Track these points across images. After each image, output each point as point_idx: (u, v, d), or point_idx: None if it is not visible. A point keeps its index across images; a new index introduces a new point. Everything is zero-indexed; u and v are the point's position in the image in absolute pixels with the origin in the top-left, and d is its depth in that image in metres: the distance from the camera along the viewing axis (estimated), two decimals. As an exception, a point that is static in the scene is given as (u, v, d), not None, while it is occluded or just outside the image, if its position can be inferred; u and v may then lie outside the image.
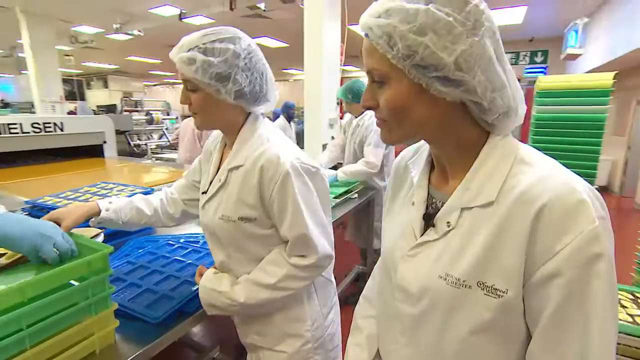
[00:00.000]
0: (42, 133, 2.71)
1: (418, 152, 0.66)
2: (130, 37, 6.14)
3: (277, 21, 5.66)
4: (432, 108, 0.49)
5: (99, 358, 0.75)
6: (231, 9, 4.50)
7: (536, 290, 0.45)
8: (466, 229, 0.51)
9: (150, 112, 6.24)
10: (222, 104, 0.80)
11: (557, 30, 6.33)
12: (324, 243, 0.85)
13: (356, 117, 2.38)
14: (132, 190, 1.49)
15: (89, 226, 1.20)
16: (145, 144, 5.30)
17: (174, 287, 0.93)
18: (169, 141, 5.74)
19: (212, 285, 0.84)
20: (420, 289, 0.54)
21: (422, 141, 0.61)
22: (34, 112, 5.88)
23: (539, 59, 7.66)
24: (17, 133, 2.57)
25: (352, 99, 2.28)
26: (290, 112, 4.63)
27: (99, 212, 0.93)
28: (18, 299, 0.62)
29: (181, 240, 1.26)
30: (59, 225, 0.82)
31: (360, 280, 2.59)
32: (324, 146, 3.21)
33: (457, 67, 0.45)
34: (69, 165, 2.78)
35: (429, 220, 0.56)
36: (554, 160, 0.50)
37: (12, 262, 0.78)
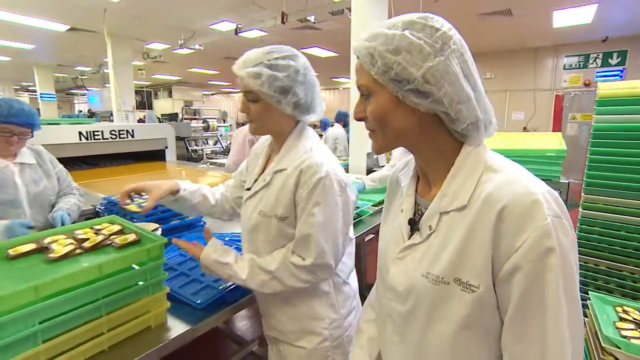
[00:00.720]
0: (117, 139, 3.11)
1: (407, 165, 0.72)
2: (192, 50, 6.73)
3: (326, 32, 5.83)
4: (409, 117, 0.56)
5: (153, 332, 0.88)
6: (283, 22, 4.74)
7: (502, 285, 0.50)
8: (444, 231, 0.56)
9: (207, 119, 6.74)
10: (278, 113, 0.91)
11: (638, 27, 5.68)
12: (327, 252, 0.87)
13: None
14: (187, 191, 1.66)
15: (154, 221, 1.39)
16: (202, 150, 5.74)
17: (217, 278, 1.05)
18: (222, 147, 6.15)
19: (216, 257, 0.90)
20: (406, 287, 0.59)
21: (411, 155, 0.67)
22: (112, 120, 6.70)
23: (614, 60, 6.87)
24: (99, 139, 2.98)
25: None
26: (345, 120, 4.74)
27: (178, 190, 1.06)
28: (97, 275, 0.77)
29: (226, 238, 1.39)
30: (146, 194, 1.02)
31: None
32: (368, 155, 3.25)
33: (425, 81, 0.52)
34: (137, 168, 3.15)
35: (414, 225, 0.62)
36: (519, 167, 0.55)
37: (93, 246, 0.94)
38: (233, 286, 1.00)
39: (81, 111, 12.85)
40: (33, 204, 1.47)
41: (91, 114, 7.93)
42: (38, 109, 8.89)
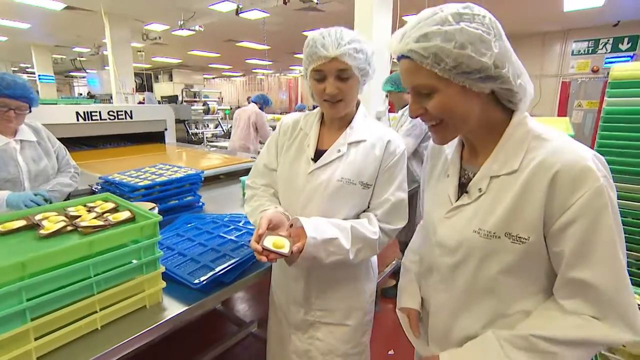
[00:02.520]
0: (116, 120, 3.06)
1: None
2: (192, 32, 6.58)
3: (329, 13, 5.67)
4: (475, 102, 0.62)
5: (148, 312, 0.86)
6: (285, 3, 4.60)
7: (557, 236, 0.59)
8: (495, 192, 0.65)
9: (207, 102, 6.65)
10: (357, 90, 0.94)
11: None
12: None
13: (402, 108, 2.35)
14: (185, 172, 1.62)
15: (150, 201, 1.36)
16: (202, 133, 5.68)
17: (214, 259, 1.02)
18: (223, 131, 6.09)
19: (322, 235, 0.83)
20: (457, 242, 0.69)
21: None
22: (111, 103, 6.62)
23: (624, 46, 6.66)
24: (97, 120, 2.93)
25: (400, 87, 2.31)
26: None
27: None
28: (86, 251, 0.74)
29: (225, 219, 1.36)
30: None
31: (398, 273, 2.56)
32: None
33: (495, 66, 0.57)
34: (135, 149, 3.11)
35: (462, 188, 0.71)
36: (565, 135, 0.63)
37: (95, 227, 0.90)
38: (231, 267, 0.98)
39: (81, 94, 12.73)
40: (34, 183, 1.44)
41: (91, 97, 7.84)
42: (37, 92, 8.80)
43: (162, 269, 0.89)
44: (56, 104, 2.92)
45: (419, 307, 0.87)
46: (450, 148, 0.77)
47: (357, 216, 0.96)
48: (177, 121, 4.82)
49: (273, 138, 1.06)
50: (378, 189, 0.94)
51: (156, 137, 3.49)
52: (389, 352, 1.95)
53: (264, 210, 0.93)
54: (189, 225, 1.29)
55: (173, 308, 0.88)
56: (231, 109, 7.79)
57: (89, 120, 2.85)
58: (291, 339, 1.03)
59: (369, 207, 0.96)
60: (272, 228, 0.87)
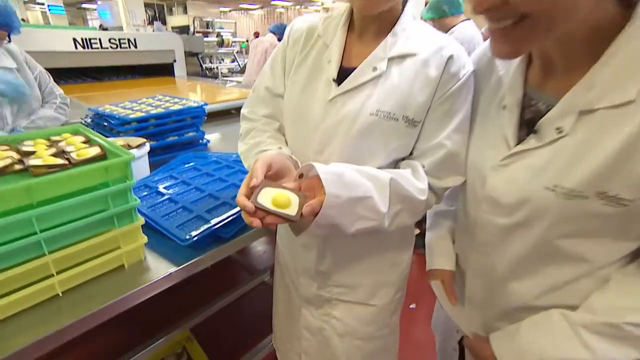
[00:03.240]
0: (119, 49, 2.78)
1: None
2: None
3: None
4: None
5: (127, 273, 0.69)
6: None
7: None
8: (584, 136, 0.46)
9: (221, 33, 6.14)
10: None
11: None
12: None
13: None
14: (184, 103, 1.39)
15: (142, 136, 1.15)
16: (217, 68, 5.32)
17: (211, 208, 0.82)
18: (239, 66, 5.68)
19: (349, 192, 0.55)
20: (516, 200, 0.52)
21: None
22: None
23: None
24: (97, 48, 2.66)
25: (449, 11, 2.04)
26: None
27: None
28: (25, 200, 0.54)
29: (230, 159, 1.14)
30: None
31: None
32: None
33: None
34: (143, 82, 2.87)
35: (529, 126, 0.52)
36: None
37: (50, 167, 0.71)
38: (230, 218, 0.78)
39: (94, 27, 12.24)
40: (17, 115, 1.26)
41: (103, 29, 7.46)
42: (49, 23, 8.45)
43: (141, 221, 0.70)
44: (50, 28, 2.63)
45: (453, 268, 0.74)
46: (507, 65, 0.57)
47: (395, 167, 0.68)
48: (190, 54, 4.47)
49: (279, 51, 0.75)
50: (429, 129, 0.64)
51: (165, 70, 3.21)
52: (410, 306, 1.83)
53: (263, 151, 0.66)
54: (186, 166, 1.09)
55: (158, 268, 0.70)
56: (247, 41, 7.23)
57: (88, 48, 2.58)
58: (301, 312, 0.84)
59: (411, 154, 0.68)
60: (273, 177, 0.61)
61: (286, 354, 0.95)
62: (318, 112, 0.65)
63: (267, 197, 0.52)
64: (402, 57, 0.63)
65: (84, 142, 0.76)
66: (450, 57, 0.61)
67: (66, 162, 0.65)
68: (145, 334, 1.28)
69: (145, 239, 0.70)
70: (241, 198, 0.53)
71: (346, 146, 0.64)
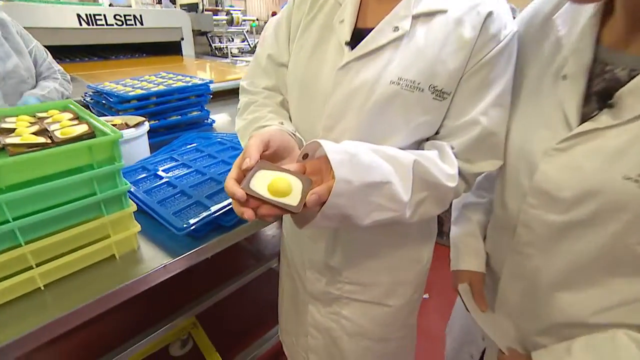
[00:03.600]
0: (124, 26, 2.69)
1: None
2: None
3: None
4: None
5: (119, 264, 0.62)
6: None
7: None
8: None
9: (231, 11, 5.95)
10: None
11: None
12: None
13: None
14: (188, 81, 1.31)
15: (142, 115, 1.07)
16: (227, 47, 5.18)
17: (212, 193, 0.75)
18: (250, 46, 5.52)
19: (363, 176, 0.45)
20: (580, 192, 0.44)
21: None
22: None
23: None
24: (102, 25, 2.57)
25: None
26: None
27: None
28: (-7, 183, 0.47)
29: (235, 140, 1.06)
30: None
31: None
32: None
33: None
34: (149, 61, 2.80)
35: (600, 99, 0.43)
36: None
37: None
38: (230, 206, 0.70)
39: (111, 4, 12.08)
40: (6, 87, 1.19)
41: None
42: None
43: (133, 207, 0.63)
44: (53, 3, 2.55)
45: (484, 270, 0.66)
46: (570, 23, 0.48)
47: (418, 149, 0.58)
48: (199, 33, 4.34)
49: (284, 14, 0.65)
50: (461, 102, 0.53)
51: (172, 49, 3.13)
52: (424, 296, 1.76)
53: (262, 127, 0.57)
54: (188, 147, 1.01)
55: (153, 259, 0.64)
56: (257, 20, 7.01)
57: (93, 25, 2.50)
58: (308, 309, 0.76)
59: (437, 133, 0.57)
60: (271, 158, 0.51)
61: (292, 348, 0.89)
62: (328, 81, 0.55)
63: (263, 182, 0.43)
64: (430, 14, 0.52)
65: (73, 120, 0.69)
66: (489, 15, 0.50)
67: (48, 140, 0.58)
68: (150, 319, 1.25)
69: (138, 227, 0.64)
70: (230, 183, 0.42)
71: (361, 122, 0.54)
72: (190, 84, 1.27)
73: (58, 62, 1.37)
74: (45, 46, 1.37)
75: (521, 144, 0.52)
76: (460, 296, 0.65)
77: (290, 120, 0.64)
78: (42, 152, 0.50)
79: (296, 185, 0.44)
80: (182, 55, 3.12)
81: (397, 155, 0.49)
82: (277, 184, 0.42)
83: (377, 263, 0.67)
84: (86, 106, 1.41)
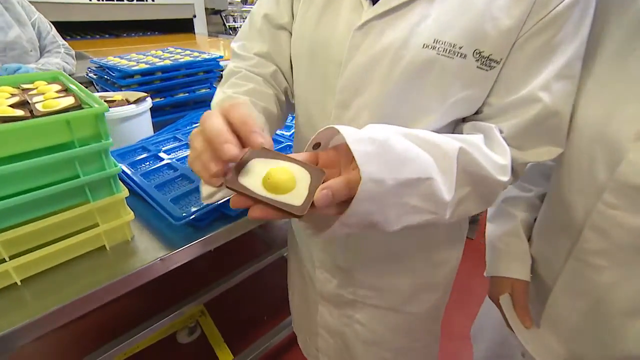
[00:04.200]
0: (135, 2, 2.60)
1: None
2: None
3: None
4: None
5: (110, 256, 0.55)
6: None
7: None
8: None
9: (245, -12, 5.77)
10: None
11: None
12: None
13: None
14: (197, 56, 1.21)
15: (147, 92, 0.99)
16: (241, 26, 5.04)
17: (216, 177, 0.66)
18: (263, 25, 5.35)
19: (397, 173, 0.33)
20: None
21: None
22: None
23: None
24: (112, 0, 2.49)
25: None
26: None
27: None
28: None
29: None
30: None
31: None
32: None
33: None
34: (160, 39, 2.72)
35: None
36: None
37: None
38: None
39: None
40: (7, 59, 1.13)
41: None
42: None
43: (125, 192, 0.55)
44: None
45: (529, 278, 0.56)
46: None
47: (452, 132, 0.48)
48: (212, 12, 4.22)
49: None
50: (515, 72, 0.41)
51: (185, 27, 3.03)
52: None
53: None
54: (194, 126, 0.93)
55: (149, 251, 0.56)
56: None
57: (103, 0, 2.41)
58: (319, 309, 0.67)
59: (479, 112, 0.46)
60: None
61: (305, 344, 0.82)
62: (342, 45, 0.44)
63: (257, 174, 0.32)
64: None
65: (60, 92, 0.61)
66: None
67: (27, 113, 0.50)
68: (157, 305, 1.20)
69: (131, 215, 0.56)
70: (207, 170, 0.30)
71: (384, 97, 0.43)
72: (198, 59, 1.18)
73: (68, 40, 1.31)
74: (54, 22, 1.31)
75: (599, 125, 0.41)
76: (501, 309, 0.56)
77: (280, 107, 0.54)
78: (7, 126, 0.42)
79: (302, 178, 0.32)
80: (194, 32, 3.02)
81: (436, 140, 0.37)
82: (275, 177, 0.31)
83: (397, 265, 0.57)
84: (90, 82, 1.34)
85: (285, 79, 0.57)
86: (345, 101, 0.45)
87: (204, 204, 0.59)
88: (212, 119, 0.30)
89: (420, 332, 0.64)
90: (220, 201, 0.60)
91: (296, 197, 0.31)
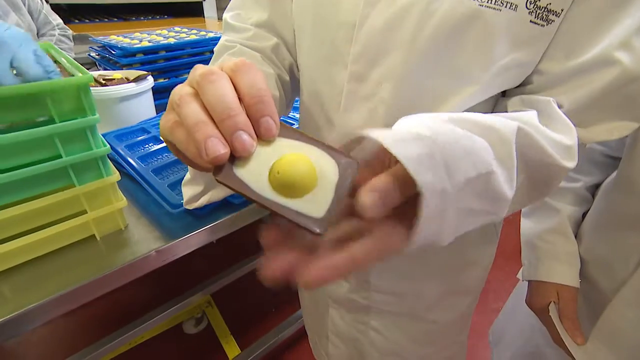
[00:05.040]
0: (143, -16, 2.53)
1: None
2: None
3: None
4: None
5: (101, 247, 0.50)
6: None
7: None
8: None
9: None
10: None
11: None
12: None
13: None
14: (203, 35, 1.14)
15: (151, 72, 0.92)
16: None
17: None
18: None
19: (459, 175, 0.22)
20: None
21: None
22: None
23: None
24: (119, -18, 2.43)
25: None
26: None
27: None
28: None
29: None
30: None
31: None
32: None
33: None
34: (168, 22, 2.65)
35: None
36: None
37: None
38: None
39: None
40: None
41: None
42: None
43: (116, 176, 0.49)
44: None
45: (578, 284, 0.49)
46: None
47: (494, 110, 0.39)
48: (222, -5, 4.14)
49: None
50: (578, 28, 0.32)
51: (194, 10, 2.96)
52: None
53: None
54: (198, 108, 0.86)
55: (143, 242, 0.51)
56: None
57: (110, -19, 2.35)
58: (329, 313, 0.59)
59: (527, 84, 0.37)
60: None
61: (315, 344, 0.76)
62: (354, 2, 0.35)
63: (263, 162, 0.22)
64: None
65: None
66: None
67: (5, 86, 0.45)
68: (164, 295, 1.17)
69: (123, 201, 0.50)
70: (205, 147, 0.20)
71: (412, 66, 0.34)
72: (204, 37, 1.11)
73: (75, 23, 1.25)
74: (61, 4, 1.25)
75: None
76: (548, 320, 0.48)
77: (291, 79, 0.45)
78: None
79: (327, 172, 0.22)
80: (203, 17, 2.95)
81: (489, 122, 0.27)
82: (286, 171, 0.21)
83: (420, 267, 0.49)
84: (94, 64, 1.29)
85: (290, 53, 0.49)
86: (360, 73, 0.36)
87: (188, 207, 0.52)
88: (218, 83, 0.22)
89: (446, 342, 0.57)
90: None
91: (316, 203, 0.21)
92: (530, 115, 0.32)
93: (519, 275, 0.58)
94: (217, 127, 0.21)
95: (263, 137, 0.22)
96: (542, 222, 0.53)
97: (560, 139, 0.32)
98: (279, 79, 0.46)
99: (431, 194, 0.21)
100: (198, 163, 0.22)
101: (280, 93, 0.45)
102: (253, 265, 1.36)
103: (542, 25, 0.32)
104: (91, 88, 0.74)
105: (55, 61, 0.55)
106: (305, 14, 0.42)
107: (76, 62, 0.49)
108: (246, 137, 0.21)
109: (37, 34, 1.16)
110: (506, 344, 0.69)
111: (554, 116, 0.34)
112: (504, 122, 0.28)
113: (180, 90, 0.23)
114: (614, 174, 0.48)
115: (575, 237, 0.52)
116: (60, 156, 0.42)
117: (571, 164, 0.32)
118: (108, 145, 0.46)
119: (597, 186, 0.53)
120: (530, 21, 0.32)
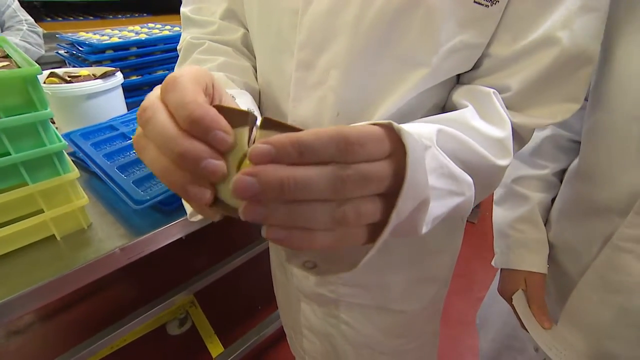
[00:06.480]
0: (119, -20, 2.47)
1: None
2: None
3: None
4: None
5: (62, 247, 0.48)
6: None
7: None
8: None
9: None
10: None
11: None
12: None
13: None
14: (177, 30, 1.12)
15: (122, 69, 0.90)
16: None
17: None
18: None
19: (451, 167, 0.27)
20: None
21: None
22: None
23: None
24: (95, -21, 2.36)
25: None
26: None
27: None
28: None
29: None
30: None
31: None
32: None
33: None
34: (148, 21, 2.59)
35: None
36: None
37: None
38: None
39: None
40: None
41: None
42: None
43: (75, 174, 0.47)
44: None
45: (546, 270, 0.50)
46: None
47: (449, 93, 0.39)
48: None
49: None
50: (523, 9, 0.32)
51: (174, 7, 2.89)
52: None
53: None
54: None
55: (109, 239, 0.49)
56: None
57: (85, -22, 2.29)
58: (301, 308, 0.57)
59: (479, 65, 0.36)
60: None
61: (291, 342, 0.76)
62: None
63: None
64: None
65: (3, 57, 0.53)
66: None
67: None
68: (145, 295, 1.15)
69: (84, 199, 0.48)
70: (196, 192, 0.20)
71: (358, 51, 0.33)
72: (178, 33, 1.08)
73: (48, 21, 1.21)
74: (34, 2, 1.20)
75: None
76: (514, 307, 0.49)
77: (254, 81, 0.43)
78: None
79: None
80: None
81: (406, 128, 0.24)
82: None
83: (385, 258, 0.48)
84: (63, 62, 1.25)
85: None
86: (307, 60, 0.35)
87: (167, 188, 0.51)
88: (153, 120, 0.20)
89: (417, 332, 0.57)
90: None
91: None
92: (461, 114, 0.32)
93: (493, 263, 0.58)
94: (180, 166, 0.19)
95: (222, 151, 0.20)
96: (513, 210, 0.54)
97: (491, 132, 0.32)
98: (255, 70, 0.45)
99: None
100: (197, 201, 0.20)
101: (258, 84, 0.44)
102: (237, 263, 1.35)
103: (486, 6, 0.31)
104: (55, 85, 0.72)
105: (7, 55, 0.53)
106: (251, 4, 0.40)
107: (29, 57, 0.47)
108: (212, 165, 0.19)
109: (3, 26, 1.12)
110: (489, 327, 0.70)
111: (491, 109, 0.34)
112: (424, 126, 0.29)
113: (136, 134, 0.22)
114: (576, 160, 0.48)
115: (545, 223, 0.52)
116: (8, 153, 0.41)
117: (504, 162, 0.32)
118: (64, 141, 0.44)
119: (564, 171, 0.54)
120: (474, 1, 0.31)
